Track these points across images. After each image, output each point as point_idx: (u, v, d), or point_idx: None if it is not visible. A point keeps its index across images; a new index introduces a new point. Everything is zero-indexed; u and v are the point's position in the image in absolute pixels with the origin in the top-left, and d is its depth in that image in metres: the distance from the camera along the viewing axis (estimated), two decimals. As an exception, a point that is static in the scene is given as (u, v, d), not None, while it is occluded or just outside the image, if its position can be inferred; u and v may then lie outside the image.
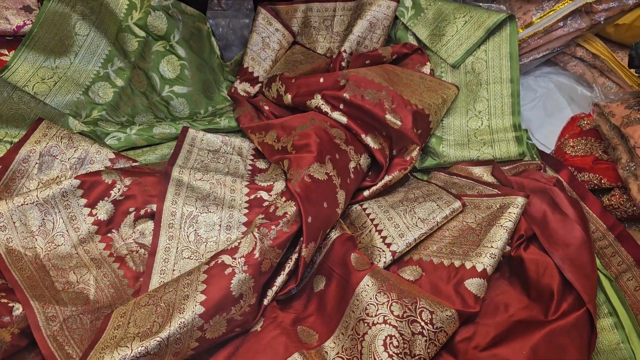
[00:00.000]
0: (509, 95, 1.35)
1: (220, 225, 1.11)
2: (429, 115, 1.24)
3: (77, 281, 0.99)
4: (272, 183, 1.17)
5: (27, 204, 1.03)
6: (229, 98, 1.53)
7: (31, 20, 1.32)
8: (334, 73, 1.29)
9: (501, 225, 1.00)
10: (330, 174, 1.09)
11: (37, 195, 1.04)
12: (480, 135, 1.33)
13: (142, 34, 1.44)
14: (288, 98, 1.33)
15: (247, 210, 1.15)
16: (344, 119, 1.21)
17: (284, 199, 1.04)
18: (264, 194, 1.15)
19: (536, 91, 1.45)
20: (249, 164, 1.27)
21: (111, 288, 1.00)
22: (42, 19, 1.28)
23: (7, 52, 1.33)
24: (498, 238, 0.99)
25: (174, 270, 1.04)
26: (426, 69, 1.40)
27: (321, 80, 1.28)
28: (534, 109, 1.42)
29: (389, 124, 1.19)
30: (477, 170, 1.22)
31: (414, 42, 1.47)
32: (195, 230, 1.10)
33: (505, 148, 1.29)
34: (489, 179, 1.19)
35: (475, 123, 1.36)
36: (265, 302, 0.97)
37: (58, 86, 1.29)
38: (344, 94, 1.22)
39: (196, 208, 1.12)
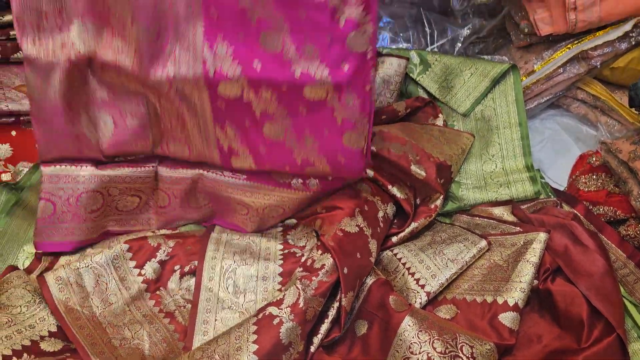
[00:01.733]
0: (519, 138, 1.45)
1: (257, 277, 1.18)
2: (450, 166, 1.33)
3: (132, 337, 1.05)
4: (304, 244, 1.24)
5: (82, 268, 1.10)
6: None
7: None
8: None
9: (527, 261, 1.07)
10: (361, 226, 1.17)
11: (91, 260, 1.11)
12: (496, 178, 1.41)
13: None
14: None
15: (281, 262, 1.21)
16: (370, 172, 1.30)
17: (319, 252, 1.11)
18: (297, 250, 1.23)
19: (543, 133, 1.54)
20: (280, 225, 1.34)
21: (164, 342, 1.06)
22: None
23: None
24: (525, 273, 1.05)
25: (215, 320, 1.10)
26: (439, 121, 1.50)
27: None
28: (543, 149, 1.51)
29: (414, 175, 1.27)
30: (497, 211, 1.29)
31: (425, 96, 1.57)
32: (234, 281, 1.16)
33: (522, 188, 1.36)
34: (510, 217, 1.26)
35: (490, 166, 1.44)
36: (312, 349, 1.03)
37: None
38: (372, 147, 1.31)
39: (234, 261, 1.19)
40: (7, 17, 1.42)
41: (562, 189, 1.41)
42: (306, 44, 1.00)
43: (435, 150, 1.35)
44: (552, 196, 1.35)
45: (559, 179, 1.45)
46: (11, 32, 1.43)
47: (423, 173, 1.29)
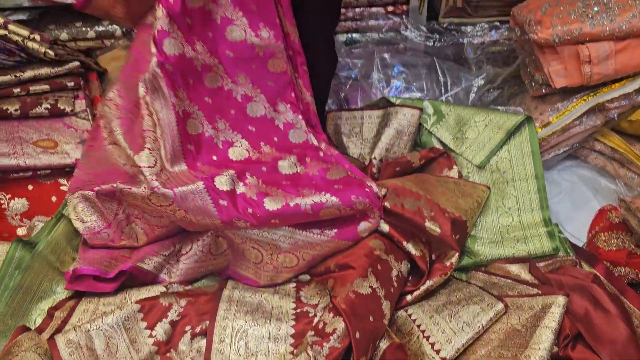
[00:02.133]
0: (535, 190, 1.42)
1: (268, 338, 1.16)
2: (466, 221, 1.31)
3: (141, 403, 1.03)
4: (317, 302, 1.22)
5: (93, 330, 1.10)
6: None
7: (88, 152, 1.45)
8: (375, 182, 1.39)
9: (546, 326, 1.04)
10: (374, 287, 1.15)
11: (102, 321, 1.11)
12: (513, 232, 1.39)
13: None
14: None
15: (294, 322, 1.19)
16: (385, 228, 1.28)
17: (331, 314, 1.09)
18: (310, 309, 1.21)
19: (561, 185, 1.52)
20: (293, 281, 1.32)
21: (173, 409, 1.04)
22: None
23: (66, 182, 1.45)
24: (544, 339, 1.02)
25: (227, 383, 1.08)
26: (454, 172, 1.49)
27: None
28: (561, 202, 1.48)
29: (429, 231, 1.26)
30: (514, 268, 1.26)
31: (439, 146, 1.57)
32: (245, 343, 1.14)
33: (539, 243, 1.33)
34: (527, 276, 1.23)
35: (506, 219, 1.42)
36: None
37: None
38: (385, 203, 1.30)
39: (246, 321, 1.17)
40: (28, 73, 1.46)
41: (581, 244, 1.38)
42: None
43: (450, 204, 1.34)
44: (571, 253, 1.31)
45: (578, 232, 1.41)
46: (31, 88, 1.46)
47: (438, 229, 1.27)
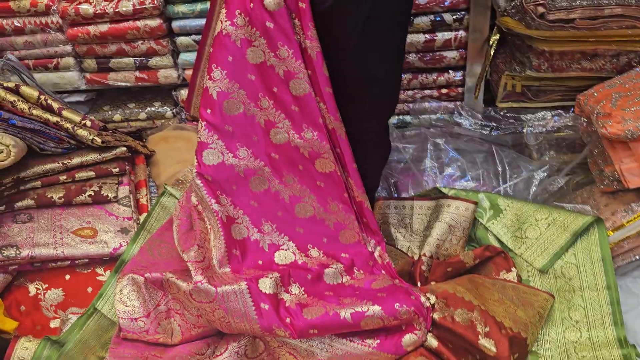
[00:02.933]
0: (607, 303, 1.26)
1: None
2: (526, 338, 1.17)
3: None
4: None
5: None
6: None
7: (126, 242, 1.42)
8: (423, 288, 1.29)
9: None
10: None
11: None
12: (581, 351, 1.22)
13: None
14: None
15: None
16: (434, 343, 1.16)
17: None
18: None
19: (638, 296, 1.34)
20: None
21: None
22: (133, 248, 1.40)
23: (103, 272, 1.42)
24: None
25: None
26: (512, 275, 1.35)
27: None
28: (638, 317, 1.30)
29: (483, 350, 1.13)
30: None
31: (495, 242, 1.43)
32: None
33: (614, 370, 1.16)
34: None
35: (574, 335, 1.25)
36: None
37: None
38: (434, 315, 1.18)
39: None
40: (75, 160, 1.47)
41: (664, 371, 1.19)
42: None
43: (508, 317, 1.20)
44: (653, 384, 1.13)
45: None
46: (77, 175, 1.46)
47: (494, 348, 1.13)
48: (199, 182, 1.24)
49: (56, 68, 1.74)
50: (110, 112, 1.83)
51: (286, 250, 1.31)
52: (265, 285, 1.18)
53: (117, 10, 1.58)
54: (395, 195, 1.67)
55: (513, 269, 1.37)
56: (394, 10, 1.16)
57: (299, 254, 1.31)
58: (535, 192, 1.55)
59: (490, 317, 1.18)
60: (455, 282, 1.31)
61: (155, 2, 1.56)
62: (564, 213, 1.37)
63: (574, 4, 1.39)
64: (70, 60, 1.73)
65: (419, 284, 1.37)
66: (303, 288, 1.22)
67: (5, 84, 1.51)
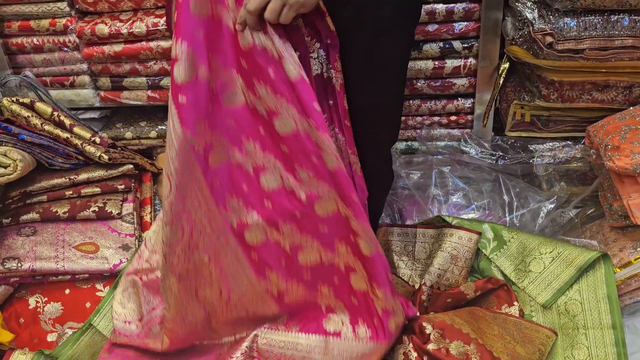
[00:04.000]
0: (612, 343, 1.20)
1: None
2: (523, 376, 1.13)
3: None
4: None
5: None
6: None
7: (126, 258, 1.43)
8: (421, 317, 1.25)
9: None
10: None
11: None
12: (583, 393, 1.17)
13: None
14: None
15: None
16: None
17: None
18: None
19: (645, 337, 1.28)
20: None
21: None
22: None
23: (102, 288, 1.43)
24: None
25: None
26: (514, 310, 1.31)
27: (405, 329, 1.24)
28: (646, 360, 1.24)
29: (474, 387, 1.08)
30: None
31: (498, 274, 1.40)
32: None
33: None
34: None
35: (576, 375, 1.21)
36: None
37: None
38: (428, 346, 1.16)
39: None
40: (82, 176, 1.49)
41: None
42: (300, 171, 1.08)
43: (507, 352, 1.16)
44: None
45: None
46: (82, 190, 1.49)
47: (487, 386, 1.09)
48: None
49: (72, 85, 1.78)
50: (122, 130, 1.86)
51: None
52: None
53: (131, 31, 1.61)
54: (399, 222, 1.65)
55: (515, 303, 1.33)
56: (395, 38, 1.15)
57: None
58: (543, 224, 1.52)
59: (487, 351, 1.15)
60: (454, 313, 1.28)
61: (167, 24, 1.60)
62: (570, 247, 1.33)
63: (583, 34, 1.37)
64: (85, 79, 1.77)
65: (417, 314, 1.34)
66: None
67: (21, 100, 1.56)
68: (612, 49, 1.38)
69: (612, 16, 1.36)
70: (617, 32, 1.36)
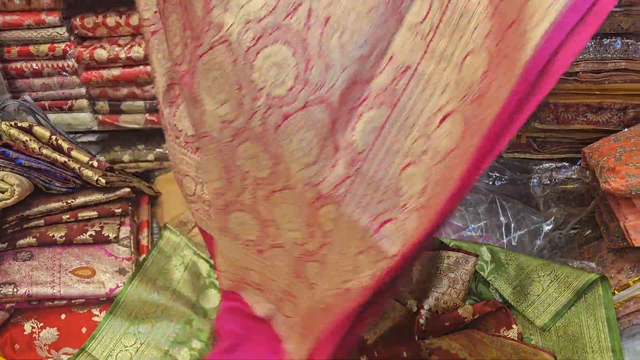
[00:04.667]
0: (612, 370, 1.20)
1: None
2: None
3: None
4: None
5: None
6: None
7: (123, 282, 1.42)
8: (419, 344, 1.25)
9: None
10: None
11: None
12: (583, 418, 1.16)
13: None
14: None
15: None
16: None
17: None
18: None
19: (646, 361, 1.27)
20: None
21: None
22: (127, 290, 1.40)
23: (98, 313, 1.42)
24: None
25: None
26: (513, 333, 1.30)
27: (404, 354, 1.23)
28: (646, 383, 1.23)
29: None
30: None
31: (496, 296, 1.39)
32: None
33: None
34: None
35: (576, 399, 1.19)
36: None
37: (140, 352, 1.34)
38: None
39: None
40: (79, 200, 1.49)
41: None
42: None
43: (504, 377, 1.15)
44: None
45: None
46: (80, 214, 1.48)
47: (486, 412, 1.08)
48: None
49: (70, 109, 1.79)
50: (120, 153, 1.87)
51: None
52: None
53: (129, 55, 1.63)
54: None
55: (514, 325, 1.32)
56: None
57: None
58: (541, 245, 1.51)
59: (485, 376, 1.14)
60: (451, 337, 1.27)
61: (165, 48, 1.61)
62: (568, 269, 1.32)
63: (576, 57, 1.38)
64: (84, 102, 1.78)
65: (416, 338, 1.33)
66: None
67: (20, 124, 1.56)
68: (605, 71, 1.39)
69: (605, 39, 1.37)
70: (609, 55, 1.37)
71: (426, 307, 1.40)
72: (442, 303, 1.41)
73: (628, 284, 1.26)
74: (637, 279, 1.26)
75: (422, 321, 1.39)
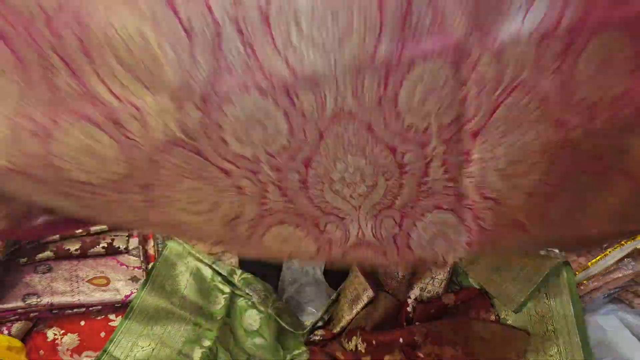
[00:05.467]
0: (578, 343, 1.36)
1: None
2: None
3: None
4: None
5: None
6: (304, 344, 1.64)
7: (136, 289, 1.55)
8: (411, 329, 1.39)
9: None
10: None
11: None
12: (554, 385, 1.33)
13: (228, 289, 1.64)
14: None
15: None
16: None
17: None
18: None
19: (605, 332, 1.45)
20: None
21: None
22: (141, 296, 1.53)
23: (115, 317, 1.55)
24: None
25: None
26: (492, 316, 1.46)
27: (400, 340, 1.38)
28: (604, 350, 1.41)
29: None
30: None
31: (475, 285, 1.56)
32: None
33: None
34: None
35: (547, 366, 1.36)
36: None
37: (156, 351, 1.47)
38: (419, 353, 1.30)
39: None
40: (90, 215, 1.61)
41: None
42: None
43: (486, 354, 1.31)
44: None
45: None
46: (91, 228, 1.61)
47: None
48: None
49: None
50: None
51: None
52: None
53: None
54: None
55: (491, 308, 1.49)
56: None
57: None
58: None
59: (471, 353, 1.30)
60: (440, 325, 1.43)
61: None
62: (536, 257, 1.49)
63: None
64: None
65: (405, 325, 1.49)
66: None
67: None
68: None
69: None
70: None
71: (412, 297, 1.56)
72: (426, 293, 1.57)
73: (587, 265, 1.44)
74: (594, 260, 1.43)
75: (409, 309, 1.55)
